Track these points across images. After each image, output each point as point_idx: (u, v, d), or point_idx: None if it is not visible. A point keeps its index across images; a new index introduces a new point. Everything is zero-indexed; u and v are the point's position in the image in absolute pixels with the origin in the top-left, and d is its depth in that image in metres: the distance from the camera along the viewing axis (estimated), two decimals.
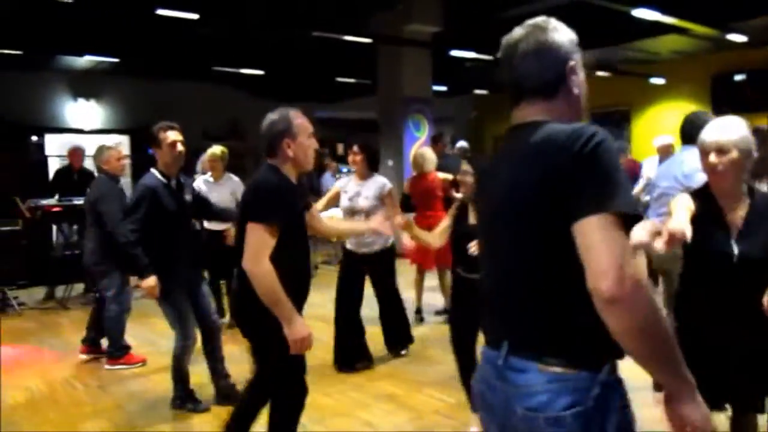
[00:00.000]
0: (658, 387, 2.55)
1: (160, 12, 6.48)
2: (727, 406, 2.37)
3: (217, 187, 5.52)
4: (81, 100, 11.89)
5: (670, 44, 10.10)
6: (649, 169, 6.75)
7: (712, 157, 2.25)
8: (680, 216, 2.21)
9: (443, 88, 12.30)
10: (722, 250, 2.26)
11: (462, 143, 8.35)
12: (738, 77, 10.80)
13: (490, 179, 1.48)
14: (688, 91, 11.49)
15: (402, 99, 9.59)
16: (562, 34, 1.42)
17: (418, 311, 5.94)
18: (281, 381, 2.61)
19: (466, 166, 3.41)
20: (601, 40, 9.47)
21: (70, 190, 7.11)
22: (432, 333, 5.49)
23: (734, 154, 2.22)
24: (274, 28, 8.26)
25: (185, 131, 3.77)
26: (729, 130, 2.26)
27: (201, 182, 5.58)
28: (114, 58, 9.98)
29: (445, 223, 3.48)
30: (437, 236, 3.45)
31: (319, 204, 4.49)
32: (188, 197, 3.79)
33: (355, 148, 4.54)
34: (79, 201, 6.86)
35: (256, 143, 9.68)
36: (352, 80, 12.02)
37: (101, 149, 4.94)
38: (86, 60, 10.33)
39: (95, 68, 11.06)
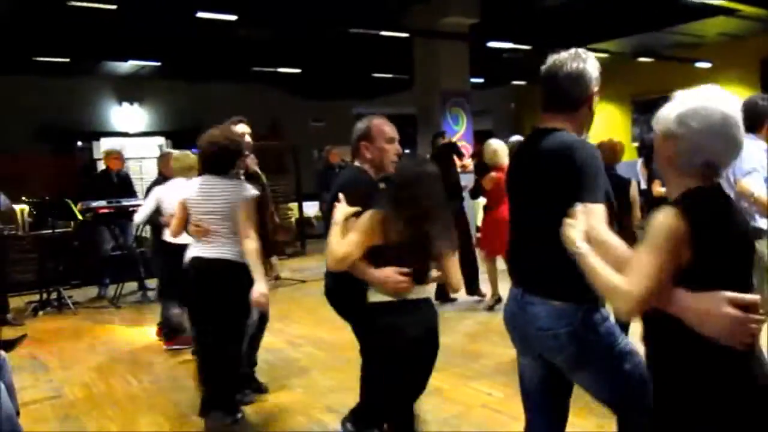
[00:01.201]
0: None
1: (201, 15, 6.60)
2: None
3: None
4: (125, 104, 12.23)
5: (717, 26, 9.76)
6: None
7: None
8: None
9: (481, 80, 12.16)
10: None
11: (517, 137, 8.27)
12: None
13: (519, 169, 2.12)
14: (735, 75, 11.08)
15: (439, 93, 9.54)
16: (592, 65, 2.01)
17: (499, 301, 5.85)
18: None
19: None
20: (645, 25, 9.24)
21: (109, 193, 7.16)
22: (479, 326, 5.47)
23: None
24: (310, 26, 8.31)
25: None
26: None
27: None
28: (156, 62, 10.22)
29: None
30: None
31: None
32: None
33: None
34: (127, 202, 7.08)
35: (295, 141, 9.74)
36: (388, 75, 12.02)
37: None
38: (130, 65, 10.61)
39: (138, 72, 11.36)
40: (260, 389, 4.08)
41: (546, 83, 2.02)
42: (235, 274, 3.23)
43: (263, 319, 3.93)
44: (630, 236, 3.74)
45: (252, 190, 3.35)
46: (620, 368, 1.93)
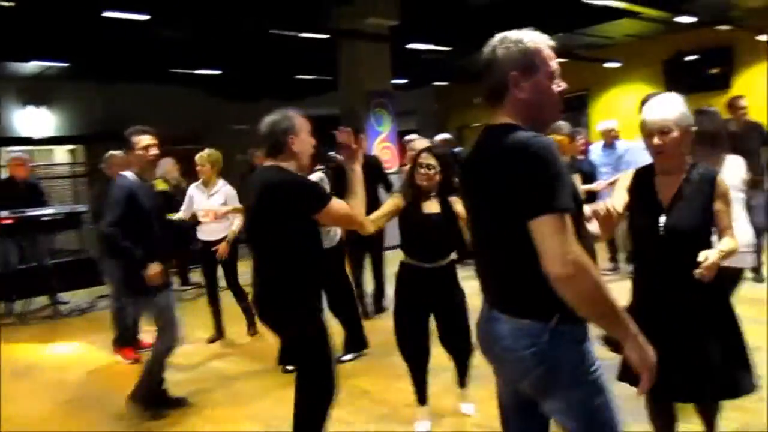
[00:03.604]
0: (605, 340, 2.70)
1: (108, 14, 6.29)
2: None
3: (206, 194, 5.24)
4: (30, 108, 11.51)
5: (624, 28, 10.27)
6: (595, 153, 6.97)
7: (656, 139, 2.28)
8: (615, 197, 2.35)
9: (404, 81, 12.27)
10: (651, 223, 2.30)
11: (445, 135, 8.38)
12: (689, 58, 11.06)
13: (472, 174, 1.79)
14: (642, 73, 11.71)
15: (363, 94, 9.54)
16: (506, 48, 1.69)
17: None
18: (319, 375, 2.69)
19: (431, 159, 3.25)
20: (557, 27, 9.58)
21: (14, 203, 6.61)
22: None
23: (676, 132, 2.26)
24: (228, 27, 8.11)
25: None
26: (669, 109, 2.27)
27: (193, 189, 5.36)
28: (63, 63, 9.67)
29: (383, 209, 3.29)
30: (371, 221, 3.09)
31: None
32: None
33: None
34: (36, 212, 6.63)
35: (217, 144, 9.47)
36: (312, 77, 11.90)
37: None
38: (33, 65, 9.99)
39: (44, 74, 10.71)
40: (180, 403, 3.94)
41: (482, 73, 1.75)
42: None
43: (169, 338, 3.73)
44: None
45: None
46: (591, 399, 1.68)
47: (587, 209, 2.08)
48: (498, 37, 1.73)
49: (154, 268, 3.55)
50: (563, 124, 4.87)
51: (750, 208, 5.88)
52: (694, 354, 2.25)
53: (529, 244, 1.56)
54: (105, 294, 6.28)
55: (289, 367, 4.22)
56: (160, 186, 6.02)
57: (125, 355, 5.00)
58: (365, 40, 9.18)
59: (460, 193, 2.08)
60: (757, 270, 5.76)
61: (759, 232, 5.74)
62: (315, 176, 4.33)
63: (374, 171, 5.56)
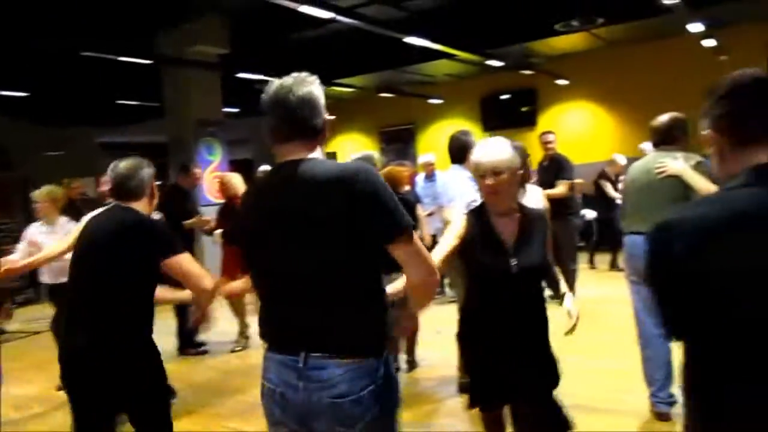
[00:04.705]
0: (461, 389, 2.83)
1: None
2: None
3: (53, 234, 4.64)
4: None
5: (443, 68, 11.11)
6: (418, 185, 7.46)
7: (489, 180, 2.37)
8: (444, 240, 2.47)
9: (236, 110, 12.11)
10: (501, 264, 2.39)
11: (265, 167, 8.25)
12: (504, 97, 12.25)
13: (275, 209, 1.68)
14: (462, 110, 12.73)
15: (192, 122, 9.25)
16: (319, 88, 1.75)
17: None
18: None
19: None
20: (382, 64, 10.13)
21: None
22: (233, 362, 5.34)
23: (507, 174, 2.36)
24: (35, 46, 7.44)
25: None
26: (500, 152, 2.39)
27: (35, 231, 4.75)
28: None
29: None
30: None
31: None
32: None
33: None
34: None
35: (26, 173, 8.54)
36: (135, 103, 11.29)
37: None
38: None
39: None
40: None
41: (280, 111, 1.70)
42: None
43: None
44: None
45: None
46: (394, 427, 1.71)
47: None
48: (304, 74, 1.75)
49: None
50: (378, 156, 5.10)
51: (556, 237, 6.59)
52: (515, 364, 2.46)
53: (362, 274, 1.62)
54: None
55: None
56: None
57: None
58: (192, 68, 8.94)
59: (248, 232, 1.79)
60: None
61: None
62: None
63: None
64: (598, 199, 8.49)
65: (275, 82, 1.73)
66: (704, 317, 1.20)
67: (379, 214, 1.58)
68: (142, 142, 12.55)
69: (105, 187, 6.70)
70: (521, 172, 2.45)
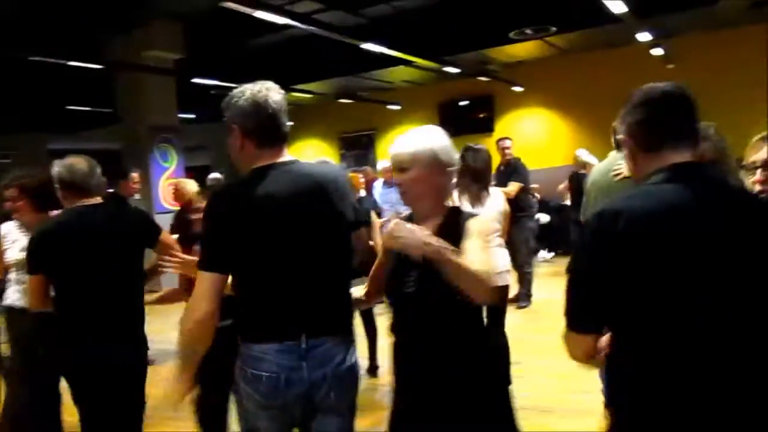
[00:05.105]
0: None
1: None
2: None
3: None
4: None
5: (401, 74, 11.20)
6: (377, 190, 7.43)
7: (396, 178, 1.95)
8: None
9: (192, 116, 11.91)
10: (395, 283, 1.93)
11: (215, 175, 8.10)
12: (462, 102, 12.39)
13: (271, 203, 1.80)
14: (420, 116, 12.79)
15: (147, 128, 9.06)
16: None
17: None
18: None
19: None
20: (340, 70, 10.13)
21: None
22: None
23: (414, 171, 1.87)
24: None
25: None
26: (406, 145, 1.91)
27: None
28: None
29: None
30: None
31: None
32: None
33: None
34: None
35: None
36: (88, 108, 10.99)
37: None
38: None
39: None
40: None
41: (263, 116, 1.83)
42: None
43: None
44: None
45: None
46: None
47: None
48: (268, 83, 1.88)
49: None
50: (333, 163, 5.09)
51: (513, 239, 6.66)
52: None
53: (343, 261, 1.93)
54: None
55: None
56: None
57: None
58: (146, 73, 8.77)
59: (233, 227, 1.80)
60: (518, 297, 6.49)
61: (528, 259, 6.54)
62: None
63: None
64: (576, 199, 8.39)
65: (246, 89, 1.85)
66: (637, 302, 1.32)
67: (351, 207, 1.94)
68: (94, 149, 12.20)
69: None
70: (452, 169, 1.92)
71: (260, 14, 5.69)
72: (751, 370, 1.30)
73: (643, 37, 8.11)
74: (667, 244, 1.30)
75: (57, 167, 2.60)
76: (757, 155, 1.56)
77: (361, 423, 3.92)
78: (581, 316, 1.42)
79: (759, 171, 1.52)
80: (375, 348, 4.81)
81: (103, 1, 7.49)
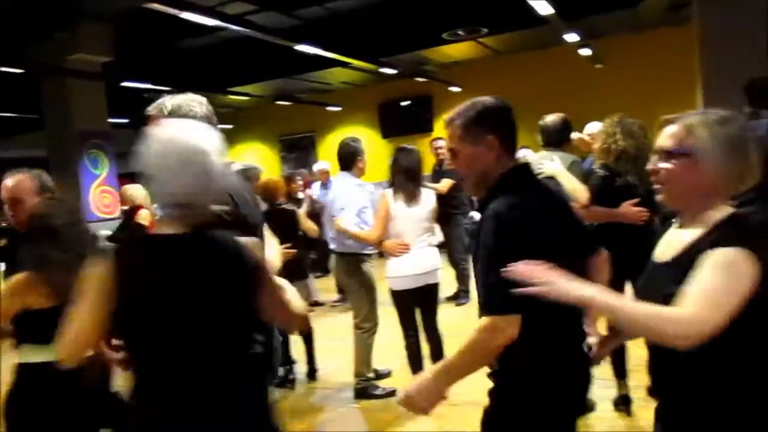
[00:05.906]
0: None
1: None
2: None
3: None
4: None
5: (339, 76, 11.17)
6: (315, 192, 7.49)
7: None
8: None
9: (124, 121, 11.53)
10: None
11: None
12: (404, 103, 12.48)
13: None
14: (361, 117, 12.86)
15: (74, 134, 8.70)
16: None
17: None
18: None
19: None
20: (277, 72, 10.03)
21: None
22: None
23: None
24: None
25: None
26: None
27: None
28: None
29: None
30: None
31: None
32: None
33: None
34: None
35: None
36: (11, 115, 10.50)
37: None
38: None
39: None
40: None
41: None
42: None
43: None
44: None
45: None
46: None
47: None
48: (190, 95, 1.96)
49: None
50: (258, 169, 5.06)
51: (448, 237, 6.73)
52: None
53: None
54: None
55: None
56: None
57: None
58: (72, 77, 8.43)
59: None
60: (458, 295, 6.59)
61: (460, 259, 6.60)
62: None
63: None
64: None
65: (185, 100, 1.94)
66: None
67: None
68: (19, 157, 11.66)
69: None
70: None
71: (187, 15, 5.54)
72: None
73: (571, 38, 8.38)
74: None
75: None
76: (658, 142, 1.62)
77: (298, 426, 3.92)
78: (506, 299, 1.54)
79: (653, 159, 1.58)
80: (312, 351, 4.77)
81: (25, 4, 7.18)
